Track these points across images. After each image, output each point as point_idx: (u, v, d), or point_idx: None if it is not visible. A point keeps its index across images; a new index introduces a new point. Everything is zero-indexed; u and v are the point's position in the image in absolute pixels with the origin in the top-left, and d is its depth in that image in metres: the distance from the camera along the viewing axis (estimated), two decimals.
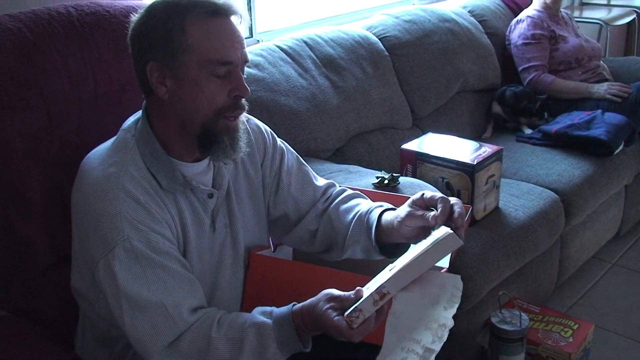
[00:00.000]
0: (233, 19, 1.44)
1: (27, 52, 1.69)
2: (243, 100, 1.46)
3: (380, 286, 1.33)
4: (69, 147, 1.76)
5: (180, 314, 1.37)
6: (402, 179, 2.30)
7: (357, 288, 1.35)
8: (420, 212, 1.48)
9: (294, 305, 1.41)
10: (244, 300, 1.69)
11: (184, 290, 1.40)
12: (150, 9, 1.43)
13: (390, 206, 1.65)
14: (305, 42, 2.88)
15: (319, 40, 2.93)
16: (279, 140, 1.76)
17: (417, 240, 1.50)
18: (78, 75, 1.77)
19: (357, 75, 2.92)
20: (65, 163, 1.74)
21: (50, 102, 1.72)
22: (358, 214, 1.67)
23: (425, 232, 1.48)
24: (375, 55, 3.06)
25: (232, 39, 1.43)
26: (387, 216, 1.60)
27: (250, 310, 1.67)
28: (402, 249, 1.61)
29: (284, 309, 1.41)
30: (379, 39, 3.16)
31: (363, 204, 1.71)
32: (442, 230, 1.41)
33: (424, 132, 2.90)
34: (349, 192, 1.79)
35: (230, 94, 1.43)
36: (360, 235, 1.65)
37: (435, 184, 2.38)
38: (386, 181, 2.25)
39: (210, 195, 1.55)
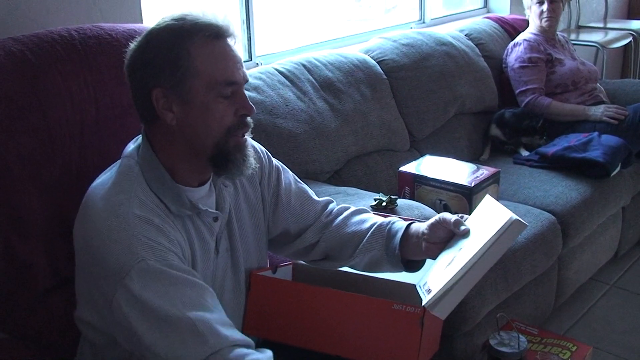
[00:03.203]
0: (229, 40, 1.46)
1: (29, 75, 1.70)
2: (248, 118, 1.49)
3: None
4: (70, 171, 1.77)
5: (210, 328, 1.33)
6: (400, 201, 2.31)
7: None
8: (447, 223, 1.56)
9: None
10: (244, 321, 1.69)
11: (206, 302, 1.37)
12: (150, 36, 1.44)
13: (413, 220, 1.70)
14: (304, 66, 2.90)
15: (318, 63, 2.95)
16: (274, 160, 1.78)
17: (434, 254, 1.57)
18: (80, 98, 1.77)
19: (355, 98, 2.94)
20: (67, 186, 1.75)
21: (53, 125, 1.72)
22: (377, 224, 1.71)
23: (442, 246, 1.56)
24: (373, 78, 3.08)
25: (234, 59, 1.45)
26: (415, 226, 1.65)
27: (250, 331, 1.67)
28: (416, 264, 1.67)
29: None
30: (377, 62, 3.19)
31: (378, 217, 1.75)
32: (502, 217, 1.42)
33: (421, 155, 2.92)
34: (355, 207, 1.82)
35: (237, 113, 1.45)
36: (376, 244, 1.68)
37: (433, 206, 2.39)
38: (384, 203, 2.26)
39: (216, 219, 1.55)
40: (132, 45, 1.46)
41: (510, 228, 1.39)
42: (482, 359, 2.37)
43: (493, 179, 2.48)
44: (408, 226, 1.66)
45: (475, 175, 2.44)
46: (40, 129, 1.70)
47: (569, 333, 2.96)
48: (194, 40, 1.40)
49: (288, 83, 2.79)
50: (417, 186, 2.49)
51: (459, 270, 1.37)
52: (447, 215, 1.58)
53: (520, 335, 2.11)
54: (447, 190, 2.42)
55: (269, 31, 3.26)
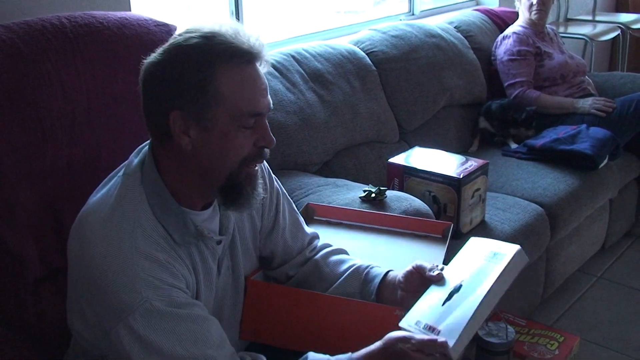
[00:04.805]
0: (258, 64, 1.37)
1: (20, 64, 1.68)
2: (266, 149, 1.41)
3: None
4: (60, 160, 1.76)
5: None
6: (389, 193, 2.31)
7: (439, 338, 1.34)
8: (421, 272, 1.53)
9: (351, 354, 1.40)
10: (241, 325, 1.67)
11: (212, 336, 1.34)
12: (177, 52, 1.32)
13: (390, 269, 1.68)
14: (293, 57, 2.90)
15: (307, 54, 2.94)
16: (275, 180, 1.71)
17: (407, 303, 1.51)
18: (71, 87, 1.76)
19: (344, 90, 2.93)
20: (57, 177, 1.74)
21: (43, 115, 1.71)
22: (354, 267, 1.68)
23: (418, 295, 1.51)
24: (363, 69, 3.08)
25: (261, 87, 1.37)
26: (392, 273, 1.63)
27: (246, 335, 1.66)
28: None
29: (342, 357, 1.40)
30: (367, 54, 3.18)
31: (357, 260, 1.73)
32: (508, 249, 1.43)
33: (410, 146, 2.92)
34: (336, 247, 1.80)
35: (257, 144, 1.38)
36: (351, 286, 1.65)
37: (422, 197, 2.39)
38: (373, 194, 2.26)
39: (219, 242, 1.50)
40: (153, 57, 1.34)
41: (516, 258, 1.42)
42: (470, 349, 2.38)
43: (481, 171, 2.49)
44: (386, 273, 1.64)
45: (464, 167, 2.45)
46: (31, 119, 1.69)
47: (557, 324, 2.98)
48: (226, 66, 1.31)
49: (277, 74, 2.78)
50: (406, 178, 2.49)
51: (477, 307, 1.37)
52: (422, 262, 1.54)
53: (509, 326, 2.12)
54: (436, 181, 2.43)
55: (258, 22, 3.25)
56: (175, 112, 1.31)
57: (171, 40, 1.35)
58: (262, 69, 1.39)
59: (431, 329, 1.37)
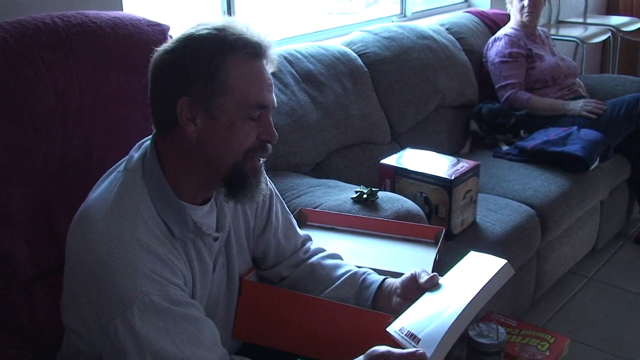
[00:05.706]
0: (264, 61, 1.41)
1: (12, 63, 1.67)
2: (269, 144, 1.43)
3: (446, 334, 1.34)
4: (53, 160, 1.75)
5: None
6: (380, 194, 2.31)
7: (418, 350, 1.32)
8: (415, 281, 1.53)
9: None
10: (234, 325, 1.67)
11: (204, 337, 1.35)
12: (189, 41, 1.36)
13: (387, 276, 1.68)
14: (285, 58, 2.90)
15: (299, 55, 2.94)
16: (268, 181, 1.70)
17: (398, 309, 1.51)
18: (64, 87, 1.75)
19: (336, 91, 2.94)
20: (50, 176, 1.73)
21: (36, 114, 1.70)
22: (352, 272, 1.69)
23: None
24: (355, 71, 3.09)
25: (268, 82, 1.41)
26: (389, 280, 1.64)
27: (239, 335, 1.66)
28: None
29: None
30: (359, 55, 3.19)
31: (352, 266, 1.73)
32: (496, 262, 1.45)
33: (402, 148, 2.92)
34: (330, 251, 1.80)
35: (259, 137, 1.41)
36: (347, 291, 1.66)
37: (413, 198, 2.40)
38: (365, 196, 2.26)
39: (216, 239, 1.51)
40: (165, 46, 1.39)
41: (501, 272, 1.44)
42: (461, 350, 2.38)
43: (473, 172, 2.50)
44: (383, 280, 1.65)
45: (455, 168, 2.45)
46: (23, 118, 1.68)
47: (547, 325, 2.99)
48: (235, 56, 1.35)
49: None
50: (398, 179, 2.50)
51: (458, 316, 1.37)
52: (418, 270, 1.55)
53: (499, 327, 2.12)
54: (427, 183, 2.44)
55: (250, 23, 3.24)
56: (184, 99, 1.34)
57: (183, 32, 1.39)
58: (269, 68, 1.43)
59: (412, 336, 1.37)
